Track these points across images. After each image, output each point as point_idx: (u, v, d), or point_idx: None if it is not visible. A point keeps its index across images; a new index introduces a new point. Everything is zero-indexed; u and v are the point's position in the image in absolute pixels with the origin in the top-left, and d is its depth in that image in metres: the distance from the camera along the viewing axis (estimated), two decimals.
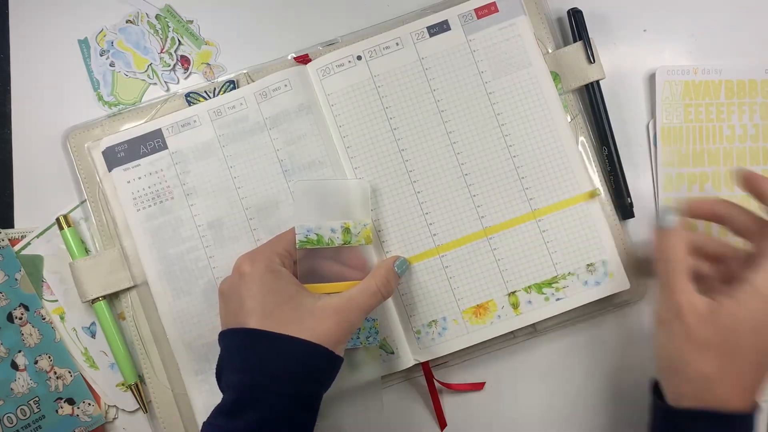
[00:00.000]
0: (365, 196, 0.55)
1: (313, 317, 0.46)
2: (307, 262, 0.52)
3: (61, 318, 0.59)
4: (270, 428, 0.44)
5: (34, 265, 0.59)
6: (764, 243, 0.47)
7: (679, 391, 0.46)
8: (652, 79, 0.60)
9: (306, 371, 0.46)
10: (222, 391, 0.47)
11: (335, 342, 0.46)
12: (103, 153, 0.58)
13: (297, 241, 0.51)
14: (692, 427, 0.45)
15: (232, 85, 0.59)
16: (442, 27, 0.57)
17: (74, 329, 0.59)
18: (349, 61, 0.57)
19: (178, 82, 0.61)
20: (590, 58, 0.57)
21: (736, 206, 0.50)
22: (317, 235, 0.51)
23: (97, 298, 0.58)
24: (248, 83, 0.58)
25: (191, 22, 0.62)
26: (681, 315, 0.46)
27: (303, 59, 0.59)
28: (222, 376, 0.48)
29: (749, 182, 0.49)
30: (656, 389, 0.49)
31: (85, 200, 0.59)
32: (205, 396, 0.56)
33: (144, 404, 0.58)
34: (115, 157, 0.58)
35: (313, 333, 0.46)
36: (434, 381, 0.57)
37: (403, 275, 0.53)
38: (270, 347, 0.45)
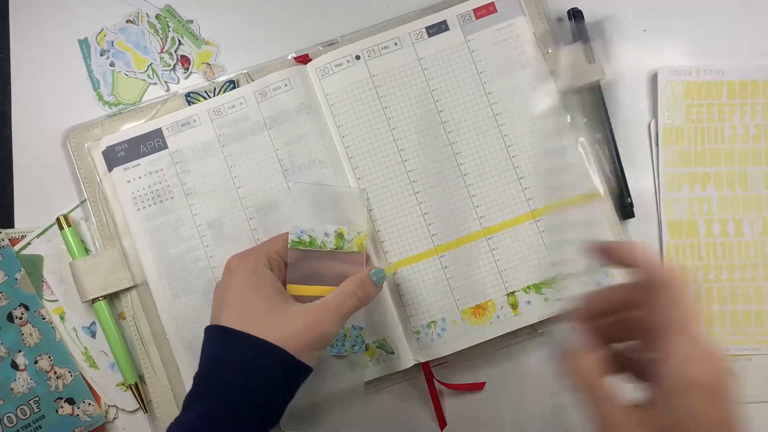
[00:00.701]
0: (362, 203, 0.55)
1: (283, 320, 0.46)
2: (298, 263, 0.51)
3: (61, 318, 0.59)
4: (215, 419, 0.43)
5: (34, 265, 0.60)
6: (660, 316, 0.39)
7: None
8: (653, 79, 0.59)
9: (259, 370, 0.45)
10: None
11: (301, 346, 0.45)
12: (103, 153, 0.58)
13: (289, 241, 0.51)
14: None
15: (232, 84, 0.59)
16: (441, 27, 0.57)
17: (74, 329, 0.59)
18: (348, 61, 0.57)
19: (178, 82, 0.62)
20: (590, 58, 0.57)
21: (611, 289, 0.42)
22: (310, 237, 0.51)
23: (97, 298, 0.58)
24: (248, 83, 0.59)
25: (191, 22, 0.62)
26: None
27: (303, 59, 0.59)
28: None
29: (605, 253, 0.41)
30: None
31: (85, 200, 0.59)
32: None
33: (144, 404, 0.58)
34: (115, 157, 0.58)
35: (278, 335, 0.45)
36: (434, 381, 0.57)
37: (381, 283, 0.51)
38: (230, 344, 0.45)
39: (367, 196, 0.56)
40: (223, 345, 0.46)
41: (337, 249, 0.52)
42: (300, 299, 0.49)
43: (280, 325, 0.46)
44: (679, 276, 0.39)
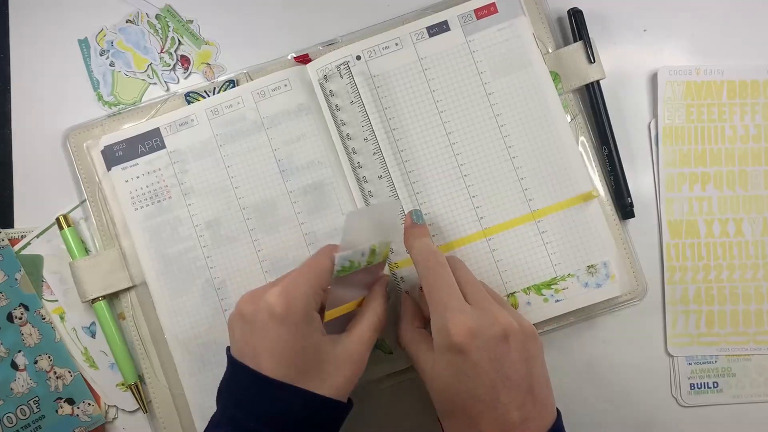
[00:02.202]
0: (397, 214, 0.55)
1: (334, 370, 0.45)
2: (336, 289, 0.48)
3: (61, 318, 0.59)
4: None
5: (34, 265, 0.60)
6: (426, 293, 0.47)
7: None
8: (653, 79, 0.59)
9: (315, 427, 0.44)
10: (219, 413, 0.46)
11: (350, 389, 0.46)
12: (102, 152, 0.58)
13: (335, 272, 0.46)
14: None
15: (232, 84, 0.59)
16: (442, 27, 0.57)
17: (74, 329, 0.59)
18: (349, 61, 0.57)
19: (178, 82, 0.61)
20: (590, 58, 0.57)
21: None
22: (350, 261, 0.46)
23: (97, 298, 0.58)
24: (248, 83, 0.58)
25: (191, 22, 0.62)
26: (423, 379, 0.47)
27: (303, 59, 0.59)
28: (222, 399, 0.46)
29: (405, 231, 0.51)
30: None
31: (85, 200, 0.59)
32: (200, 396, 0.56)
33: (144, 404, 0.58)
34: (113, 156, 0.58)
35: (331, 387, 0.44)
36: None
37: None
38: (279, 398, 0.43)
39: (400, 205, 0.55)
40: (272, 398, 0.43)
41: (368, 265, 0.49)
42: (333, 321, 0.47)
43: (332, 376, 0.45)
44: (425, 257, 0.48)
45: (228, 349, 0.47)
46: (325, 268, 0.46)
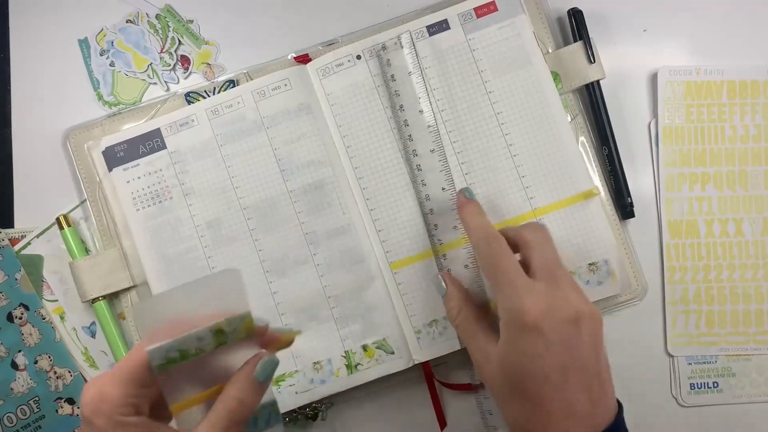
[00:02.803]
0: (237, 284, 0.42)
1: None
2: (175, 383, 0.40)
3: (61, 318, 0.59)
4: None
5: (34, 265, 0.60)
6: (485, 271, 0.47)
7: None
8: (653, 79, 0.59)
9: None
10: None
11: None
12: (103, 153, 0.58)
13: (155, 367, 0.38)
14: None
15: (232, 84, 0.59)
16: (442, 26, 0.57)
17: (74, 329, 0.59)
18: (349, 61, 0.57)
19: (178, 82, 0.61)
20: (590, 57, 0.57)
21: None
22: (179, 351, 0.39)
23: (97, 298, 0.58)
24: (248, 83, 0.58)
25: (191, 21, 0.62)
26: (483, 376, 0.45)
27: (303, 59, 0.59)
28: None
29: (458, 208, 0.51)
30: None
31: (85, 200, 0.59)
32: None
33: None
34: (114, 157, 0.58)
35: None
36: (434, 381, 0.57)
37: (268, 377, 0.41)
38: None
39: (241, 273, 0.43)
40: None
41: (220, 346, 0.40)
42: (188, 412, 0.40)
43: None
44: (486, 236, 0.46)
45: None
46: (138, 364, 0.38)
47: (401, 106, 0.56)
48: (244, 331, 0.41)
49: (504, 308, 0.44)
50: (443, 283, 0.51)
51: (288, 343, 0.44)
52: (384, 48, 0.57)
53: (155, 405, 0.40)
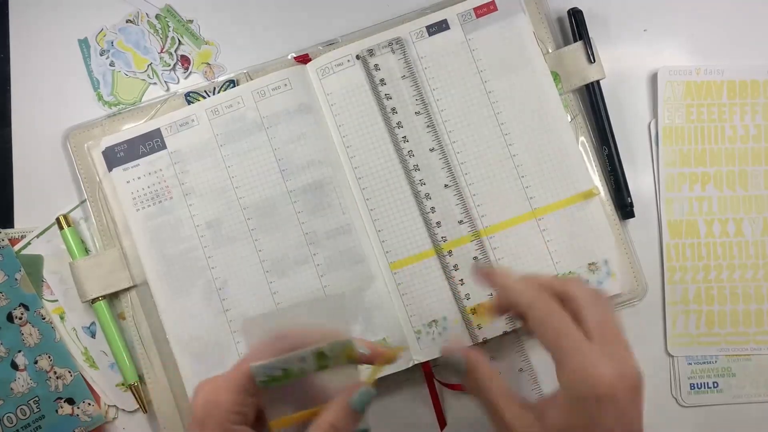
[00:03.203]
0: (342, 308, 0.45)
1: None
2: (277, 399, 0.42)
3: (61, 318, 0.59)
4: None
5: (34, 265, 0.60)
6: (546, 339, 0.42)
7: None
8: (653, 79, 0.59)
9: None
10: None
11: None
12: (103, 153, 0.58)
13: (258, 382, 0.41)
14: None
15: (232, 84, 0.59)
16: (441, 26, 0.57)
17: (74, 329, 0.59)
18: (349, 61, 0.57)
19: (178, 82, 0.62)
20: (590, 58, 0.57)
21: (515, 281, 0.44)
22: (283, 370, 0.41)
23: (97, 298, 0.58)
24: (248, 83, 0.58)
25: (191, 21, 0.62)
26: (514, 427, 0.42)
27: (303, 59, 0.59)
28: None
29: (486, 277, 0.46)
30: None
31: (85, 200, 0.59)
32: None
33: (144, 404, 0.58)
34: (114, 157, 0.58)
35: None
36: (434, 381, 0.57)
37: (364, 408, 0.41)
38: None
39: (345, 296, 0.45)
40: None
41: (321, 369, 0.41)
42: (284, 430, 0.42)
43: None
44: (539, 299, 0.42)
45: None
46: (249, 374, 0.41)
47: (393, 109, 0.56)
48: (345, 357, 0.42)
49: (572, 378, 0.40)
50: (459, 356, 0.44)
51: (392, 360, 0.44)
52: (371, 53, 0.57)
53: (256, 418, 0.42)
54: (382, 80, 0.57)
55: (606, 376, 0.39)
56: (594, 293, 0.43)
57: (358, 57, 0.57)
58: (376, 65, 0.57)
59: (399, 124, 0.56)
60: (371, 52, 0.57)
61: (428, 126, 0.56)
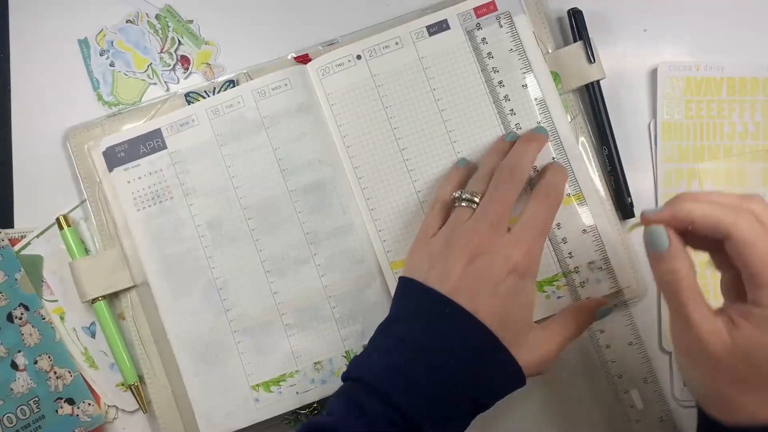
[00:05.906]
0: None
1: (533, 345, 0.47)
2: None
3: (61, 318, 0.59)
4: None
5: (34, 265, 0.59)
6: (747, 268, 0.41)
7: (728, 414, 0.42)
8: (653, 76, 0.59)
9: (501, 389, 0.47)
10: (382, 339, 0.48)
11: (529, 372, 0.47)
12: (104, 153, 0.58)
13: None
14: None
15: (232, 84, 0.59)
16: (442, 26, 0.57)
17: (74, 329, 0.59)
18: (349, 61, 0.57)
19: (178, 82, 0.61)
20: (590, 58, 0.57)
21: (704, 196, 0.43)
22: None
23: (97, 298, 0.58)
24: (248, 82, 0.58)
25: (191, 22, 0.62)
26: (706, 348, 0.40)
27: (303, 59, 0.59)
28: (398, 330, 0.47)
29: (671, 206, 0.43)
30: None
31: (85, 200, 0.59)
32: (203, 396, 0.56)
33: (144, 404, 0.58)
34: (115, 157, 0.58)
35: (523, 358, 0.46)
36: None
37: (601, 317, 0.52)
38: (485, 349, 0.45)
39: None
40: (475, 348, 0.45)
41: None
42: None
43: (526, 350, 0.47)
44: (747, 225, 0.40)
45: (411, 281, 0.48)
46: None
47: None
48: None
49: None
50: (665, 235, 0.42)
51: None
52: (371, 53, 0.57)
53: None
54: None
55: None
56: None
57: (358, 57, 0.57)
58: (376, 65, 0.57)
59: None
60: (371, 52, 0.57)
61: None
